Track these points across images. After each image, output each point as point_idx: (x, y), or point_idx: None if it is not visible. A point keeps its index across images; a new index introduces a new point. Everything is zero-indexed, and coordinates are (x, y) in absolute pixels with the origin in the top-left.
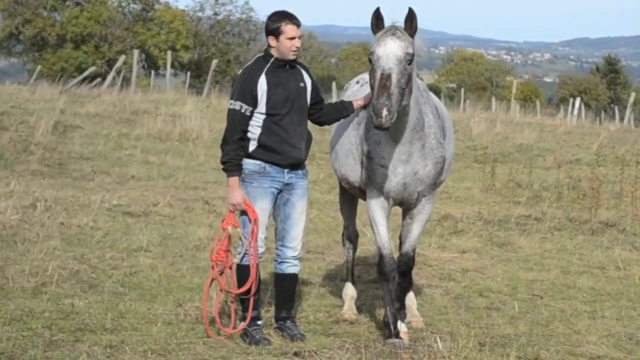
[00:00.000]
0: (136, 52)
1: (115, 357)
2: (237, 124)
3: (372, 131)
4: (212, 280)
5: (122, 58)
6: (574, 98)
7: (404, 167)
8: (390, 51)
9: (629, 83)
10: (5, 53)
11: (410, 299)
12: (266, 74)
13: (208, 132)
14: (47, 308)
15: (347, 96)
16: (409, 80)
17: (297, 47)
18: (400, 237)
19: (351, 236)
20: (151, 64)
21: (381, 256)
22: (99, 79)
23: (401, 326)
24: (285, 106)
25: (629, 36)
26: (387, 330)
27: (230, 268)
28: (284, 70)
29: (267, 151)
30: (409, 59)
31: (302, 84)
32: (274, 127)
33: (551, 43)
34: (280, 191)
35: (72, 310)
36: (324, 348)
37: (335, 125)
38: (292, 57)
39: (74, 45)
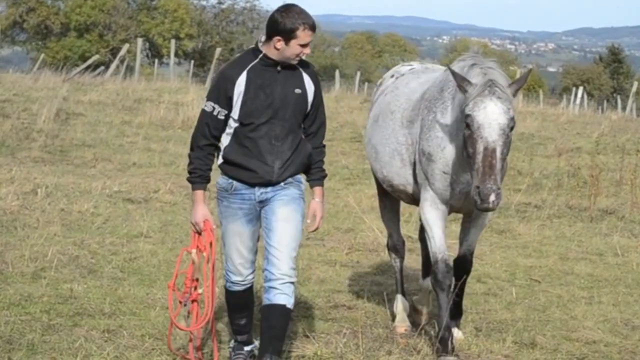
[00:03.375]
0: (140, 40)
1: (112, 342)
2: (206, 128)
3: (433, 132)
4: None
5: (125, 46)
6: (577, 87)
7: (468, 176)
8: (493, 119)
9: (632, 72)
10: (9, 41)
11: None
12: (248, 73)
13: None
14: (46, 293)
15: (381, 90)
16: (510, 146)
17: (304, 55)
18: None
19: (397, 244)
20: (155, 53)
21: (436, 261)
22: (102, 68)
23: (458, 334)
24: (265, 115)
25: (632, 26)
26: (443, 346)
27: (195, 301)
28: (274, 70)
29: (231, 166)
30: (512, 125)
31: (297, 90)
32: (242, 138)
33: (555, 33)
34: (258, 211)
35: (71, 295)
36: (322, 333)
37: (371, 118)
38: (294, 62)
39: (78, 33)
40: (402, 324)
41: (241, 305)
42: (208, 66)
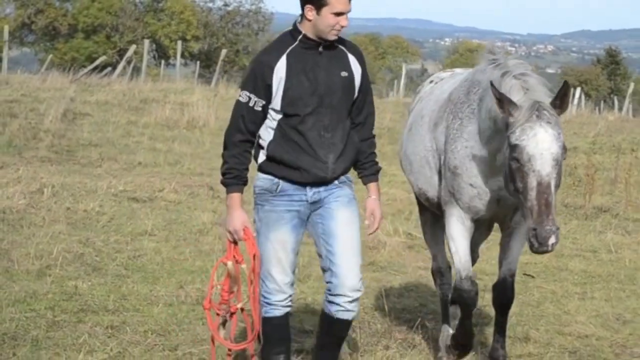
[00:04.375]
0: (147, 42)
1: (116, 337)
2: (241, 121)
3: (460, 142)
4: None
5: (132, 48)
6: (575, 88)
7: (498, 181)
8: (545, 148)
9: (629, 74)
10: (18, 43)
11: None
12: (288, 57)
13: (214, 120)
14: (51, 290)
15: (419, 98)
16: (562, 178)
17: (342, 27)
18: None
19: (442, 267)
20: (161, 54)
21: (460, 279)
22: (109, 69)
23: None
24: (310, 103)
25: (630, 29)
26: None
27: (233, 315)
28: (316, 52)
29: (278, 164)
30: (564, 153)
31: (343, 73)
32: (290, 132)
33: (554, 35)
34: (308, 215)
35: (76, 292)
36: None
37: (406, 128)
38: (331, 38)
39: (85, 35)
40: (445, 356)
41: (280, 336)
42: (214, 67)
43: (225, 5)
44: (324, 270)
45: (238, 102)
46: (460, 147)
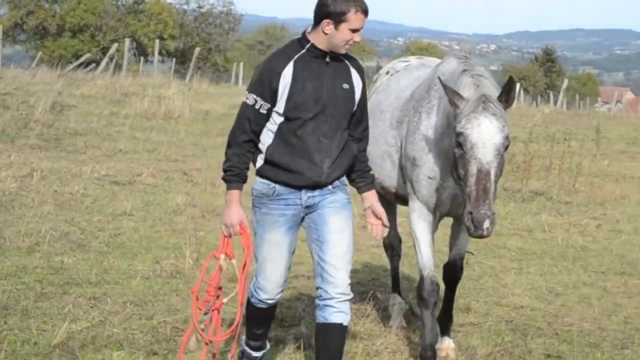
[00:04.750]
0: (127, 40)
1: (98, 307)
2: (247, 122)
3: (418, 134)
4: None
5: (114, 46)
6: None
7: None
8: (487, 138)
9: (563, 71)
10: (11, 41)
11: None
12: (295, 63)
13: (189, 112)
14: (39, 265)
15: (376, 87)
16: (503, 167)
17: (354, 42)
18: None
19: (393, 242)
20: (141, 52)
21: (421, 278)
22: (93, 65)
23: (450, 343)
24: (313, 109)
25: (565, 29)
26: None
27: (216, 310)
28: (322, 62)
29: (275, 168)
30: (507, 144)
31: (345, 85)
32: (289, 136)
33: (497, 35)
34: (302, 217)
35: (62, 266)
36: (284, 300)
37: None
38: (343, 52)
39: (72, 34)
40: (396, 322)
41: (263, 320)
42: (188, 64)
43: (199, 7)
44: (315, 274)
45: (245, 104)
46: (418, 139)
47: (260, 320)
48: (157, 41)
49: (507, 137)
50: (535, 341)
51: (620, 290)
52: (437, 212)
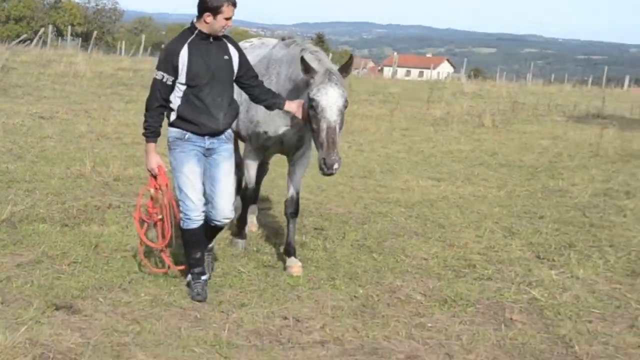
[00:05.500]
0: (50, 26)
1: (30, 196)
2: (158, 93)
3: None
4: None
5: (42, 30)
6: None
7: (284, 127)
8: (333, 102)
9: (330, 49)
10: None
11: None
12: (189, 45)
13: (90, 73)
14: None
15: None
16: (344, 122)
17: (228, 26)
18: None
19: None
20: (59, 34)
21: (246, 187)
22: (28, 42)
23: (297, 263)
24: (205, 77)
25: (332, 22)
26: (240, 232)
27: (156, 224)
28: (208, 42)
29: (185, 121)
30: (346, 105)
31: (226, 57)
32: (192, 98)
33: (286, 25)
34: (204, 156)
35: (7, 170)
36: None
37: None
38: (221, 34)
39: (15, 22)
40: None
41: (197, 241)
42: (89, 42)
43: (97, 5)
44: (206, 200)
45: (155, 79)
46: (261, 106)
47: (194, 242)
48: (69, 27)
49: (346, 100)
50: (307, 219)
51: (362, 187)
52: (264, 152)
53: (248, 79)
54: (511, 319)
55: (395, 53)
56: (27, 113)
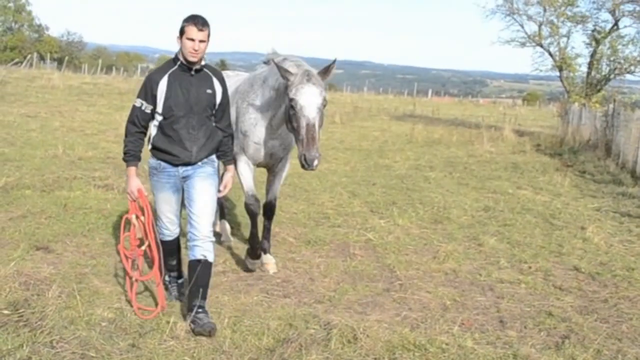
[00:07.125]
0: (35, 53)
1: (19, 171)
2: (136, 119)
3: (247, 115)
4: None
5: (29, 56)
6: None
7: (272, 141)
8: (312, 100)
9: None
10: None
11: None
12: (169, 76)
13: (62, 85)
14: None
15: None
16: (323, 120)
17: (195, 50)
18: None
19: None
20: (42, 59)
21: (246, 195)
22: (20, 64)
23: (271, 259)
24: (183, 109)
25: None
26: (253, 251)
27: (139, 256)
28: (189, 74)
29: (159, 151)
30: (325, 104)
31: (209, 90)
32: (167, 129)
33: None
34: (181, 183)
35: (3, 153)
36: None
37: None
38: (190, 59)
39: (10, 50)
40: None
41: (172, 250)
42: (62, 64)
43: (68, 39)
44: (187, 223)
45: (134, 106)
46: (247, 118)
47: (170, 251)
48: (48, 54)
49: (324, 99)
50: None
51: None
52: (256, 164)
53: (221, 117)
54: (354, 253)
55: None
56: (17, 113)
